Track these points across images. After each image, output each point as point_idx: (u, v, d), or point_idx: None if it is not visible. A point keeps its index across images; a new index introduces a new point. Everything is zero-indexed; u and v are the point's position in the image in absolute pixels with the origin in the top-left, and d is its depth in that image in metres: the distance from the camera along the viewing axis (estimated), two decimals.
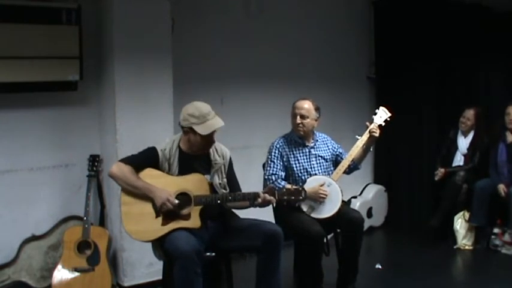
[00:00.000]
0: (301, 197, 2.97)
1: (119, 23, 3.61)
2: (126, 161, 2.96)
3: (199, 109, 2.93)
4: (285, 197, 2.96)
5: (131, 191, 2.91)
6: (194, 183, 2.95)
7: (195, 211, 2.91)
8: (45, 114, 3.73)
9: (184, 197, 2.92)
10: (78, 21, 3.57)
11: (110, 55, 3.67)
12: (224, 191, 3.07)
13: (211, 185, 3.01)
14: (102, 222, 3.88)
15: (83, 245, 3.62)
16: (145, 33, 3.69)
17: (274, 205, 3.19)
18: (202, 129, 2.90)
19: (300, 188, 2.99)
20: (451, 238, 4.82)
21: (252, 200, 2.94)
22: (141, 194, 2.90)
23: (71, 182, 3.84)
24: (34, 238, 3.69)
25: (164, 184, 2.92)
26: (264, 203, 2.94)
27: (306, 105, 3.60)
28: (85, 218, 3.65)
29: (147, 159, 2.97)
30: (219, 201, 2.95)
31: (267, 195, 2.93)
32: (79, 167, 3.84)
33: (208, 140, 2.96)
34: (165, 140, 3.10)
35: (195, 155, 3.03)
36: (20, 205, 3.69)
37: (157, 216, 2.90)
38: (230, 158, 3.18)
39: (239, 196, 2.97)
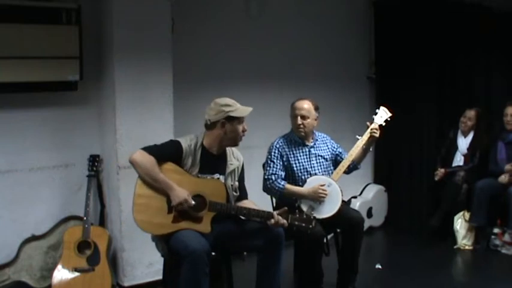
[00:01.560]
0: (311, 226, 2.96)
1: (119, 23, 3.61)
2: (150, 150, 2.91)
3: (228, 100, 3.02)
4: (296, 223, 2.95)
5: (149, 183, 2.89)
6: (212, 189, 2.96)
7: (207, 216, 2.91)
8: (45, 115, 3.73)
9: (199, 200, 2.91)
10: (78, 21, 3.56)
11: (110, 55, 3.67)
12: (234, 193, 3.10)
13: (226, 190, 3.02)
14: (102, 222, 3.88)
15: (83, 245, 3.62)
16: (146, 33, 3.70)
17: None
18: (240, 113, 2.97)
19: (312, 217, 3.00)
20: (451, 238, 4.82)
21: (265, 219, 2.94)
22: (159, 188, 2.88)
23: (71, 182, 3.84)
24: (34, 238, 3.69)
25: (182, 181, 2.90)
26: (277, 226, 2.93)
27: (306, 105, 3.60)
28: (85, 218, 3.65)
29: (171, 152, 2.96)
30: (232, 213, 2.97)
31: (280, 217, 2.92)
32: (79, 167, 3.84)
33: (242, 126, 3.01)
34: (187, 136, 3.07)
35: (216, 155, 3.05)
36: (20, 205, 3.69)
37: (169, 212, 2.90)
38: (243, 164, 3.20)
39: (254, 213, 2.96)
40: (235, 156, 3.16)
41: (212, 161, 3.04)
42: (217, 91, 4.22)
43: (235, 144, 3.08)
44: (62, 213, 3.80)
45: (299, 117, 3.58)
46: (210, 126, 3.02)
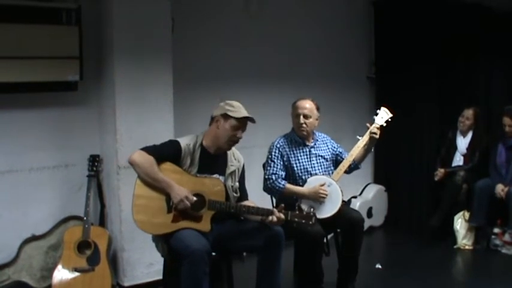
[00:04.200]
0: (311, 222, 2.96)
1: (119, 23, 3.60)
2: (149, 150, 2.93)
3: (236, 103, 3.06)
4: (296, 219, 2.96)
5: (149, 182, 2.90)
6: (211, 187, 2.96)
7: (207, 215, 2.92)
8: (45, 115, 3.72)
9: (198, 198, 2.92)
10: (78, 21, 3.56)
11: (110, 55, 3.66)
12: (235, 194, 3.10)
13: (225, 190, 3.02)
14: (102, 222, 3.87)
15: (83, 245, 3.62)
16: (146, 33, 3.70)
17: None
18: (236, 114, 2.98)
19: (312, 214, 3.00)
20: (451, 238, 4.81)
21: (265, 216, 2.94)
22: (159, 187, 2.89)
23: (71, 182, 3.84)
24: (34, 238, 3.69)
25: (181, 181, 2.91)
26: (278, 222, 2.93)
27: (308, 105, 3.60)
28: (85, 218, 3.65)
29: (170, 152, 2.97)
30: (232, 211, 2.97)
31: (281, 214, 2.93)
32: (79, 167, 3.83)
33: (236, 132, 2.99)
34: (187, 136, 3.09)
35: (215, 155, 3.06)
36: (20, 205, 3.69)
37: (169, 212, 2.90)
38: (243, 165, 3.21)
39: (253, 210, 2.97)
40: (235, 157, 3.16)
41: (211, 161, 3.04)
42: (217, 91, 4.29)
43: (227, 147, 3.06)
44: (62, 213, 3.80)
45: (301, 117, 3.58)
46: (210, 121, 3.08)
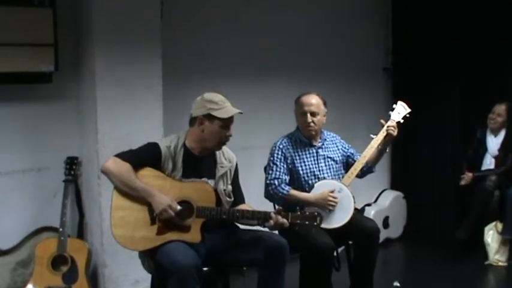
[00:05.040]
0: (315, 223, 2.96)
1: (100, 5, 3.61)
2: (124, 157, 2.94)
3: (217, 96, 3.01)
4: (298, 221, 2.95)
5: (126, 192, 2.91)
6: (199, 192, 2.96)
7: (196, 223, 2.91)
8: (15, 111, 3.71)
9: (185, 206, 2.92)
10: (52, 2, 3.55)
11: (90, 43, 3.66)
12: (228, 199, 3.10)
13: (216, 194, 3.03)
14: (80, 234, 3.86)
15: (58, 260, 3.60)
16: (131, 18, 3.69)
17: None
18: (222, 113, 2.96)
19: (316, 213, 2.99)
20: (481, 253, 4.79)
21: (262, 220, 2.95)
22: (138, 197, 2.90)
23: (44, 188, 3.82)
24: (0, 253, 3.67)
25: (164, 187, 2.92)
26: (276, 226, 2.94)
27: (314, 101, 3.61)
28: (61, 229, 3.64)
29: (148, 156, 2.97)
30: (224, 217, 2.96)
31: (279, 217, 2.92)
32: (54, 171, 3.82)
33: (226, 131, 3.00)
34: (168, 137, 3.10)
35: (201, 156, 3.06)
36: None
37: (152, 223, 2.90)
38: (236, 164, 3.20)
39: (248, 214, 2.97)
40: (226, 157, 3.15)
41: (197, 164, 3.04)
42: (212, 85, 4.20)
43: (216, 147, 3.07)
44: (33, 224, 3.78)
45: (309, 115, 3.59)
46: (191, 121, 3.06)
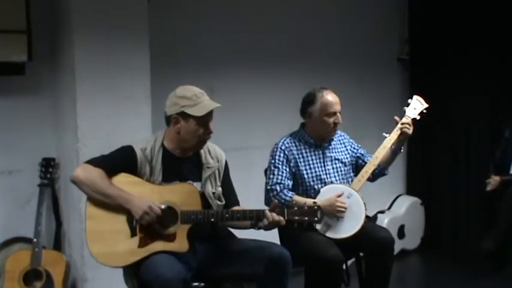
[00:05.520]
0: (316, 218, 2.96)
1: None
2: (95, 162, 2.93)
3: (190, 90, 2.98)
4: (296, 217, 2.94)
5: (100, 201, 2.89)
6: (182, 195, 2.94)
7: (181, 230, 2.89)
8: None
9: (168, 212, 2.90)
10: None
11: (68, 30, 3.66)
12: (219, 202, 3.08)
13: (203, 197, 3.00)
14: (57, 245, 3.87)
15: (32, 275, 3.61)
16: (115, 3, 3.70)
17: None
18: (197, 110, 2.92)
19: (315, 206, 2.97)
20: (511, 266, 4.80)
21: (255, 219, 2.93)
22: (114, 205, 2.88)
23: (16, 194, 3.83)
24: None
25: (143, 194, 2.91)
26: (272, 225, 2.93)
27: (337, 98, 3.59)
28: (35, 240, 3.64)
29: (122, 161, 2.97)
30: (212, 220, 2.93)
31: (274, 214, 2.91)
32: (28, 174, 3.82)
33: (204, 128, 2.97)
34: (144, 137, 3.10)
35: (183, 157, 3.05)
36: None
37: (133, 235, 2.88)
38: (226, 162, 3.20)
39: (239, 214, 2.96)
40: (213, 156, 3.13)
41: (179, 166, 3.03)
42: (206, 78, 4.35)
43: (195, 148, 3.05)
44: (3, 234, 3.78)
45: (338, 115, 3.57)
46: (166, 120, 3.04)
